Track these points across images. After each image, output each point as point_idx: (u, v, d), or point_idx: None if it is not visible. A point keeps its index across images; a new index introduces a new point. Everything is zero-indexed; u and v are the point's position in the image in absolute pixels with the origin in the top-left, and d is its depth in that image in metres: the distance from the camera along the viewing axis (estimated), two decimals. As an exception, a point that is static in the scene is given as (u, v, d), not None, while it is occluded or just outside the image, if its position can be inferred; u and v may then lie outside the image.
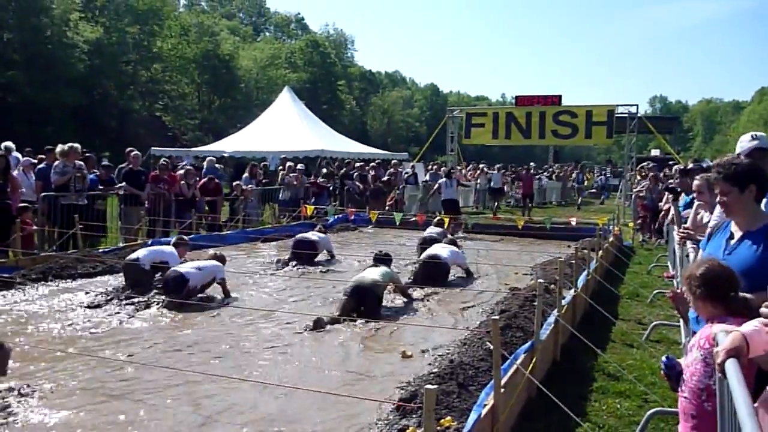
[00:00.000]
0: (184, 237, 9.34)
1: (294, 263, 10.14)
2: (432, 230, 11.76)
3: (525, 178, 23.52)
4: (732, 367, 2.22)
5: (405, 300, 7.89)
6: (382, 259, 8.33)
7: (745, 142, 4.39)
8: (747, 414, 1.88)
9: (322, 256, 10.77)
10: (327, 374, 5.21)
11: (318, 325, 6.51)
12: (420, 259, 9.45)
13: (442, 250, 9.36)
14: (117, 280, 8.37)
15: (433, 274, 8.88)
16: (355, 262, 10.56)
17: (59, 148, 10.77)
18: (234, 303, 7.58)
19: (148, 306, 7.15)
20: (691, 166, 9.30)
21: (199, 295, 7.57)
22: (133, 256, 8.18)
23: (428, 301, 8.01)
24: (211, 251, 8.70)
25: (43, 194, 10.49)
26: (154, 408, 4.37)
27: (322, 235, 10.97)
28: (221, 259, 8.13)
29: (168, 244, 8.87)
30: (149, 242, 10.04)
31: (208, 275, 7.65)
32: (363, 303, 7.14)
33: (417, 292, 8.31)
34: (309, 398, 4.58)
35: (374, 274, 7.48)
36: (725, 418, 2.25)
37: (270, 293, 8.33)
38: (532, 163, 29.66)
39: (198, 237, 11.58)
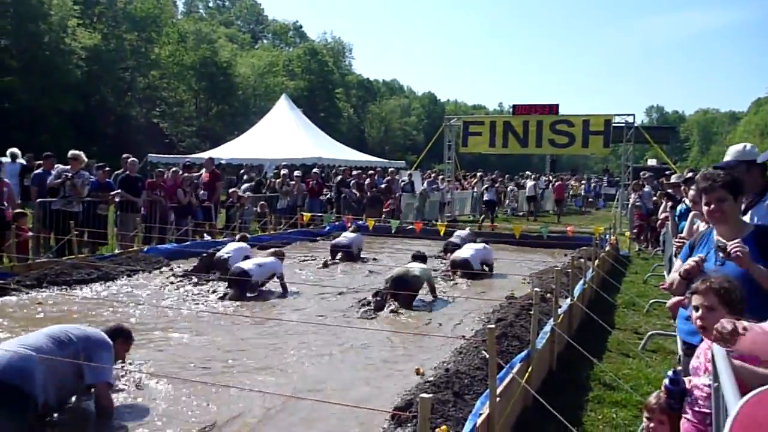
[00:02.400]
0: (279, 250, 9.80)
1: (336, 260, 11.36)
2: (459, 234, 12.65)
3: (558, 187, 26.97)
4: (726, 373, 2.23)
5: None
6: (418, 257, 9.16)
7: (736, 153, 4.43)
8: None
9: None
10: (321, 382, 5.17)
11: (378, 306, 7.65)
12: (449, 261, 10.53)
13: (466, 251, 10.45)
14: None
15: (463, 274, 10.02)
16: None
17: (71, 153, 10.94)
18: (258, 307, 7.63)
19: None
20: (689, 176, 9.31)
21: (261, 289, 8.40)
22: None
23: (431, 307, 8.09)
24: (271, 249, 9.43)
25: (38, 200, 10.48)
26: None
27: (353, 235, 12.17)
28: (280, 255, 8.96)
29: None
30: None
31: (267, 271, 8.43)
32: (400, 293, 7.77)
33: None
34: (300, 406, 4.55)
35: (416, 270, 8.21)
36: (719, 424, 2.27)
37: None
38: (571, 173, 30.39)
39: (194, 243, 11.53)
